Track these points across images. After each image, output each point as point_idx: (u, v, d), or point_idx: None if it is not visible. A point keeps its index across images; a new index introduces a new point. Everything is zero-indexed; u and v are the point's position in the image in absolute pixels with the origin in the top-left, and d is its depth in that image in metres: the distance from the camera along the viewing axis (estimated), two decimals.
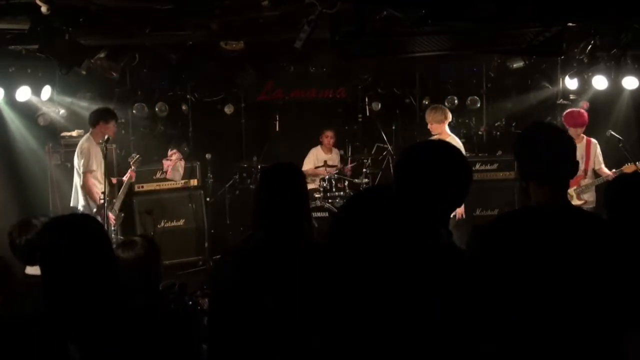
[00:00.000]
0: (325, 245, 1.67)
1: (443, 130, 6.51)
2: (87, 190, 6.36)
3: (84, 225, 2.06)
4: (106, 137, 6.70)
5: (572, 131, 6.45)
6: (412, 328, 1.55)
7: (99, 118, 6.48)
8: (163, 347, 1.97)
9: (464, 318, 1.64)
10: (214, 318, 2.38)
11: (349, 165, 8.40)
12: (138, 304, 2.10)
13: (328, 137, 8.28)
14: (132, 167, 6.90)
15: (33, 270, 3.49)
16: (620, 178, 3.03)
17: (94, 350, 1.88)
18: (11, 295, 3.09)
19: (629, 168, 6.27)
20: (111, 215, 6.45)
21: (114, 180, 6.82)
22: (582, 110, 6.62)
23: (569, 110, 6.82)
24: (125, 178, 6.82)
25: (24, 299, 2.96)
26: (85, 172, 6.34)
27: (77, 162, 6.43)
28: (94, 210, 6.33)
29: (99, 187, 6.40)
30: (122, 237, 6.36)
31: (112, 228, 6.47)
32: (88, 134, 6.55)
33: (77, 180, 6.48)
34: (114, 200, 6.60)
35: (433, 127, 6.51)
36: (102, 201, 6.32)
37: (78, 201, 6.50)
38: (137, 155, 7.07)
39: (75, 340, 1.88)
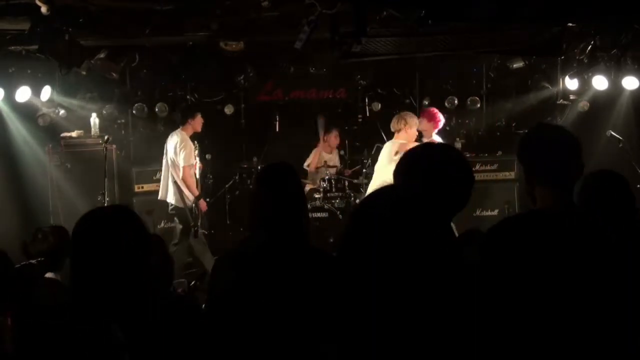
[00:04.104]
0: (338, 250, 1.65)
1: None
2: (187, 183, 6.69)
3: (129, 216, 2.10)
4: (106, 137, 6.73)
5: (426, 125, 6.45)
6: (428, 335, 1.54)
7: (185, 117, 6.90)
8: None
9: (476, 323, 1.63)
10: (211, 320, 2.38)
11: (349, 170, 8.42)
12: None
13: (335, 136, 8.33)
14: (197, 159, 7.02)
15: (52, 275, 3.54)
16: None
17: (136, 330, 1.91)
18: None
19: None
20: (204, 204, 6.89)
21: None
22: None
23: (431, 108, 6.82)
24: (197, 171, 7.02)
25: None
26: (185, 166, 6.67)
27: (174, 157, 6.71)
28: (188, 202, 6.70)
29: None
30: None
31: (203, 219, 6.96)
32: (179, 130, 6.86)
33: (172, 174, 6.76)
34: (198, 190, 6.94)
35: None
36: (198, 192, 6.82)
37: (167, 194, 6.84)
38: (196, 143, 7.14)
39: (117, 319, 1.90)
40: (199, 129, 7.01)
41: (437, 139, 6.51)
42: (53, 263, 3.43)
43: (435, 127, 6.53)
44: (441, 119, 6.59)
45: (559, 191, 2.15)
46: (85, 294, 1.98)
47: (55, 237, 3.48)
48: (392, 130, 6.40)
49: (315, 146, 8.51)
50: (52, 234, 3.49)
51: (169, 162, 6.84)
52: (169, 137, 6.95)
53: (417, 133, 6.36)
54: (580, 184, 2.89)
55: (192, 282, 3.59)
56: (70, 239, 3.43)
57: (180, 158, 6.67)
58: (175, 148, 6.74)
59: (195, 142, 7.13)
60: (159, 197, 7.02)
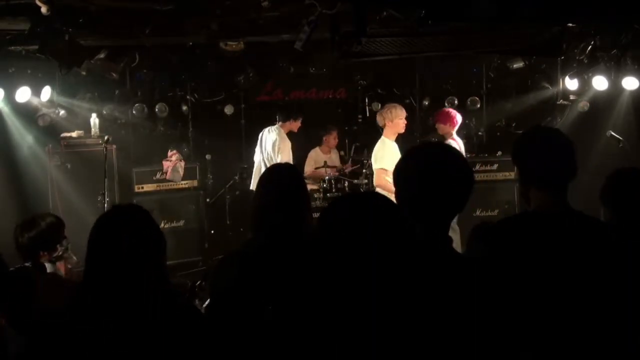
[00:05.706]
0: (316, 250, 1.65)
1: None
2: None
3: (132, 216, 2.11)
4: (106, 137, 6.73)
5: (444, 128, 6.57)
6: (417, 336, 1.54)
7: (289, 116, 7.14)
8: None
9: (470, 325, 1.63)
10: (212, 323, 2.37)
11: (349, 164, 8.42)
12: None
13: (335, 136, 8.33)
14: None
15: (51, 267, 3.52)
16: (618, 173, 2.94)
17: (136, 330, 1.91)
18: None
19: None
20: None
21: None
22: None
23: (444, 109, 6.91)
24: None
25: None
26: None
27: (272, 153, 6.85)
28: None
29: None
30: None
31: None
32: (277, 127, 7.04)
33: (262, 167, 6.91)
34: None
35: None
36: None
37: None
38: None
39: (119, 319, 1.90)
40: (295, 129, 7.23)
41: (458, 139, 6.56)
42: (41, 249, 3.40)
43: (453, 127, 6.58)
44: (457, 117, 6.62)
45: (555, 193, 2.16)
46: (93, 295, 1.98)
47: (45, 224, 3.44)
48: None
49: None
50: (39, 222, 3.44)
51: (265, 156, 6.97)
52: (266, 131, 7.08)
53: (404, 122, 6.21)
54: (610, 182, 2.83)
55: (198, 282, 3.59)
56: (61, 225, 3.47)
57: (278, 158, 6.81)
58: (273, 145, 6.88)
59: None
60: (250, 188, 7.13)
